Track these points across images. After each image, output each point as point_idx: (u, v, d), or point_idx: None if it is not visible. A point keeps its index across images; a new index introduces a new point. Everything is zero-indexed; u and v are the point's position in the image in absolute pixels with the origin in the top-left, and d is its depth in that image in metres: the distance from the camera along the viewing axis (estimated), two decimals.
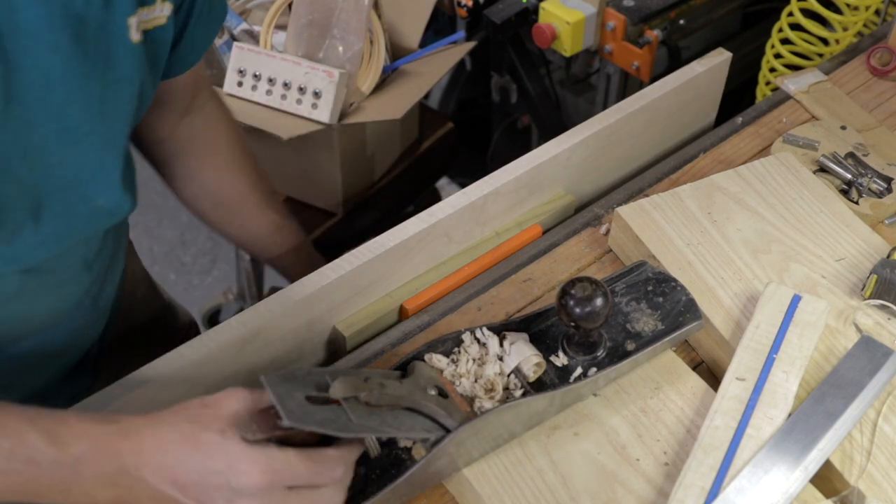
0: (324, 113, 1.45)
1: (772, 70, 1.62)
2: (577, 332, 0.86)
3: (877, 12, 1.58)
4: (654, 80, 1.32)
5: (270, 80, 1.47)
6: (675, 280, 0.88)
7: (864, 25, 1.58)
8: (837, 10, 1.55)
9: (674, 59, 1.81)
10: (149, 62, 0.84)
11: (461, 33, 2.06)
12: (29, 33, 0.71)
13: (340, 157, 1.57)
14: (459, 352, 0.85)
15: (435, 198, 2.04)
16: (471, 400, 0.82)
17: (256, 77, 1.48)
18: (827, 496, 0.84)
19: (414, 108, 1.63)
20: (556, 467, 0.85)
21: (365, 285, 1.01)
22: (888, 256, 1.03)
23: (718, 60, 1.26)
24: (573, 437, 0.88)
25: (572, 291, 0.81)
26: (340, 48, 1.46)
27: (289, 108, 1.47)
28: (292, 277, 1.04)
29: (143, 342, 1.17)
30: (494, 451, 0.84)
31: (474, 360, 0.84)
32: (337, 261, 0.99)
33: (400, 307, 1.05)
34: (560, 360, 0.84)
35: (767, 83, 1.63)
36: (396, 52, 1.64)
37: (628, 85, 1.91)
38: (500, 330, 0.86)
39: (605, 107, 1.82)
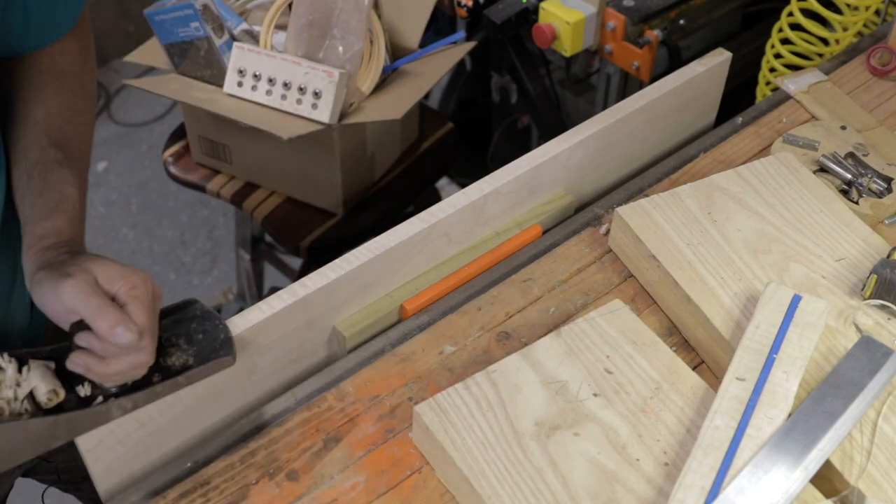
0: (324, 113, 1.45)
1: (772, 70, 1.62)
2: None
3: (877, 12, 1.58)
4: (654, 80, 1.32)
5: (270, 80, 1.47)
6: (219, 319, 0.90)
7: (864, 25, 1.58)
8: (837, 10, 1.55)
9: (674, 59, 1.81)
10: None
11: (461, 33, 2.06)
12: None
13: (340, 157, 1.57)
14: None
15: (435, 198, 2.04)
16: None
17: (256, 77, 1.48)
18: (827, 496, 0.85)
19: (414, 108, 1.63)
20: (556, 467, 0.85)
21: (365, 285, 1.01)
22: (888, 256, 1.03)
23: (718, 60, 1.26)
24: (573, 437, 0.88)
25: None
26: (340, 48, 1.46)
27: (289, 108, 1.47)
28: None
29: None
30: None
31: None
32: (337, 261, 0.99)
33: (400, 307, 1.05)
34: (85, 389, 0.84)
35: (767, 83, 1.63)
36: (396, 52, 1.64)
37: (628, 85, 1.91)
38: (26, 357, 0.86)
39: (605, 107, 1.83)
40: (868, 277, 1.00)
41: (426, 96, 1.70)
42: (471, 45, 1.66)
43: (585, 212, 1.17)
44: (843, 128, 1.23)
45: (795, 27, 1.57)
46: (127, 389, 0.84)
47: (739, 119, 1.30)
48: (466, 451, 0.86)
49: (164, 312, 0.89)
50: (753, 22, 2.03)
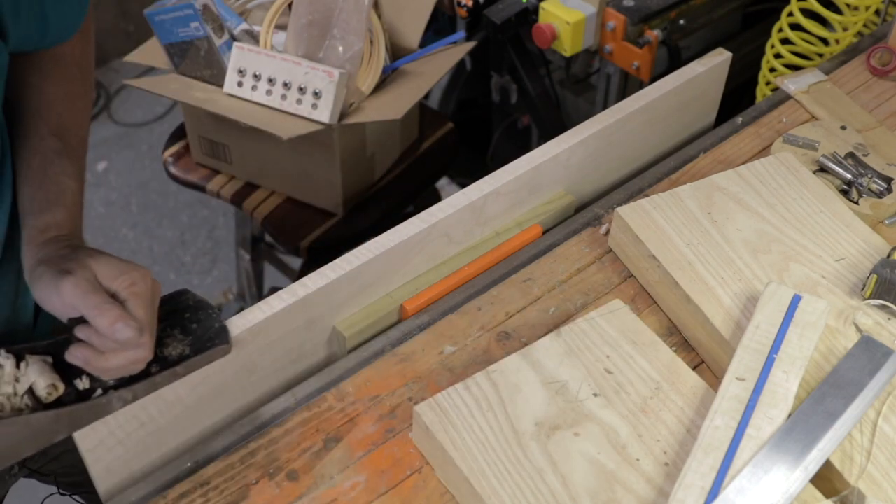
0: (324, 113, 1.45)
1: (772, 70, 1.62)
2: None
3: (877, 12, 1.58)
4: (654, 80, 1.32)
5: (270, 80, 1.47)
6: (212, 308, 0.90)
7: (864, 25, 1.58)
8: (837, 10, 1.55)
9: (674, 59, 1.81)
10: None
11: (461, 33, 2.06)
12: None
13: (340, 157, 1.57)
14: None
15: (435, 198, 2.04)
16: None
17: (256, 77, 1.48)
18: (827, 496, 0.85)
19: (414, 108, 1.63)
20: (556, 467, 0.85)
21: (365, 285, 1.01)
22: (888, 256, 1.03)
23: (718, 60, 1.26)
24: (573, 437, 0.88)
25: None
26: (340, 48, 1.46)
27: (289, 108, 1.47)
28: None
29: None
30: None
31: None
32: (337, 261, 0.99)
33: (400, 307, 1.05)
34: (83, 383, 0.84)
35: (767, 83, 1.63)
36: (396, 52, 1.64)
37: (628, 85, 1.91)
38: (23, 353, 0.86)
39: (605, 107, 1.83)
40: (868, 277, 1.00)
41: (426, 96, 1.70)
42: (471, 45, 1.66)
43: (585, 212, 1.17)
44: (843, 128, 1.23)
45: (795, 27, 1.57)
46: (125, 381, 0.84)
47: (739, 119, 1.30)
48: (466, 451, 0.86)
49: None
50: (753, 22, 2.03)
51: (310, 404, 0.96)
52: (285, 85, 1.46)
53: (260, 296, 2.15)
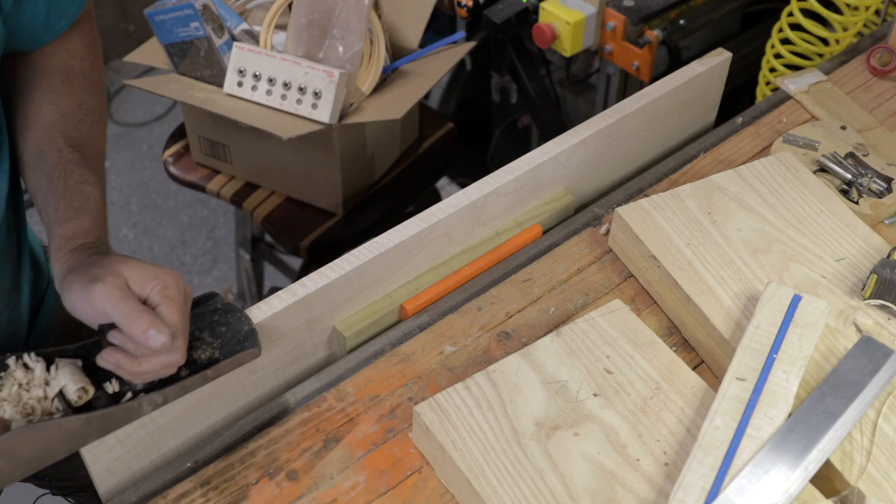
0: (324, 113, 1.45)
1: (772, 70, 1.62)
2: None
3: (877, 12, 1.58)
4: (654, 80, 1.32)
5: (270, 80, 1.47)
6: (241, 311, 0.90)
7: (864, 25, 1.58)
8: (837, 10, 1.55)
9: (674, 59, 1.81)
10: None
11: (461, 33, 2.05)
12: None
13: (340, 157, 1.57)
14: (5, 377, 0.84)
15: (435, 198, 2.05)
16: (7, 423, 0.81)
17: (256, 77, 1.48)
18: (827, 496, 0.85)
19: (414, 108, 1.63)
20: (556, 467, 0.85)
21: (365, 285, 1.01)
22: (888, 256, 1.03)
23: (718, 60, 1.26)
24: (573, 437, 0.88)
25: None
26: (340, 48, 1.46)
27: (289, 108, 1.47)
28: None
29: None
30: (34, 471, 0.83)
31: (20, 384, 0.84)
32: (337, 261, 0.99)
33: (400, 307, 1.05)
34: (113, 386, 0.84)
35: (767, 83, 1.63)
36: (396, 52, 1.64)
37: (628, 85, 1.91)
38: (53, 356, 0.86)
39: (605, 107, 1.83)
40: (868, 277, 1.00)
41: (426, 96, 1.70)
42: (471, 45, 1.66)
43: (585, 212, 1.17)
44: (843, 128, 1.23)
45: (795, 27, 1.57)
46: (156, 384, 0.84)
47: (739, 119, 1.30)
48: (466, 451, 0.86)
49: None
50: (753, 22, 2.03)
51: (310, 404, 0.96)
52: (285, 85, 1.46)
53: (260, 296, 2.15)
